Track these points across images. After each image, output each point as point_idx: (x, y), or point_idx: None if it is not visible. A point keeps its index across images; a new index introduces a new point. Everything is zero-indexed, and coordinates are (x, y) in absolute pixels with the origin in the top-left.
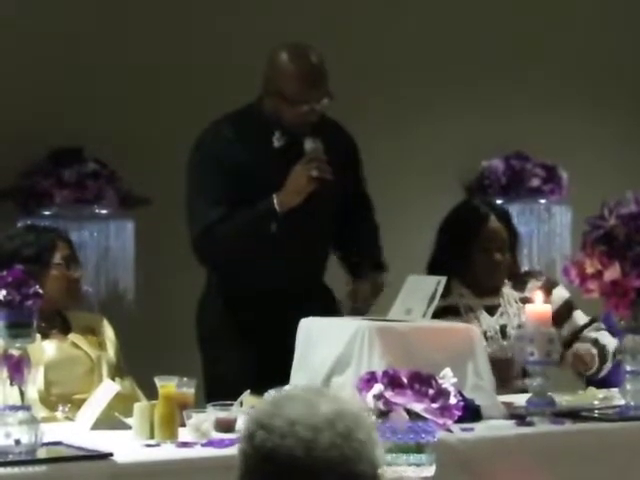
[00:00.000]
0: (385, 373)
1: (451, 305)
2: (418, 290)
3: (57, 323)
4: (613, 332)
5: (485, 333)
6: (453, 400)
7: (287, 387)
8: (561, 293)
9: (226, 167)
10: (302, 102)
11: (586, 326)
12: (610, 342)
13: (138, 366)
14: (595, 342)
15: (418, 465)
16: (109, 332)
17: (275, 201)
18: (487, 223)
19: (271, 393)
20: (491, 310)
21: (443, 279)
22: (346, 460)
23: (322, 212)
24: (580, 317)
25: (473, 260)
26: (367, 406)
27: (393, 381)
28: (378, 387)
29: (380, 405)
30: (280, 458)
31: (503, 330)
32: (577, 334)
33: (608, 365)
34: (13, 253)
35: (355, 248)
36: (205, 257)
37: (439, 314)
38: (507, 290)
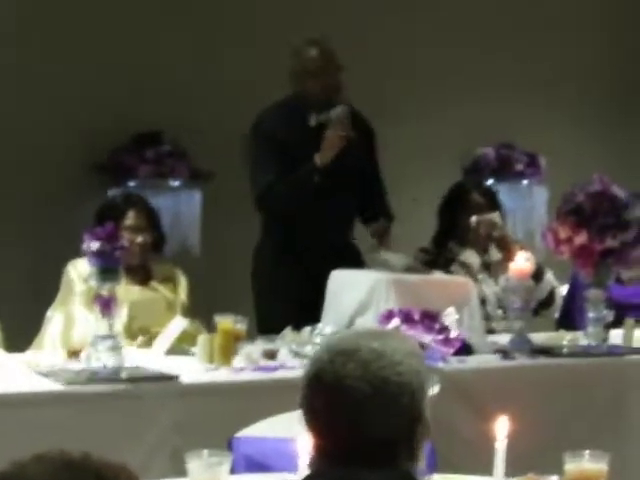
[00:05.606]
0: (401, 311)
1: (466, 262)
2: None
3: (142, 273)
4: (580, 286)
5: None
6: (454, 333)
7: (319, 324)
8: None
9: (275, 144)
10: (323, 73)
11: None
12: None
13: (201, 307)
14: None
15: None
16: (183, 281)
17: (316, 159)
18: (469, 195)
19: (307, 329)
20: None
21: None
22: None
23: (351, 176)
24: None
25: (463, 224)
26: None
27: (407, 317)
28: (395, 322)
29: None
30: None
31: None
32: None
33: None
34: (102, 214)
35: (371, 209)
36: (269, 212)
37: (458, 266)
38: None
